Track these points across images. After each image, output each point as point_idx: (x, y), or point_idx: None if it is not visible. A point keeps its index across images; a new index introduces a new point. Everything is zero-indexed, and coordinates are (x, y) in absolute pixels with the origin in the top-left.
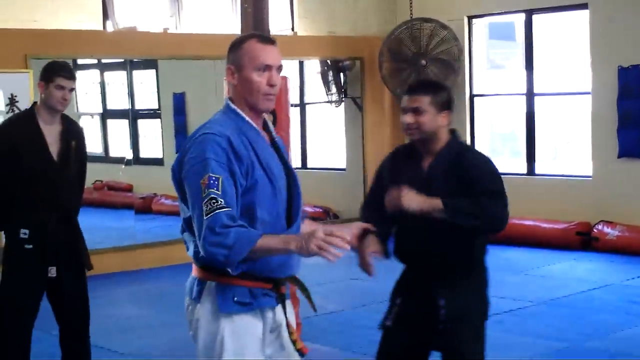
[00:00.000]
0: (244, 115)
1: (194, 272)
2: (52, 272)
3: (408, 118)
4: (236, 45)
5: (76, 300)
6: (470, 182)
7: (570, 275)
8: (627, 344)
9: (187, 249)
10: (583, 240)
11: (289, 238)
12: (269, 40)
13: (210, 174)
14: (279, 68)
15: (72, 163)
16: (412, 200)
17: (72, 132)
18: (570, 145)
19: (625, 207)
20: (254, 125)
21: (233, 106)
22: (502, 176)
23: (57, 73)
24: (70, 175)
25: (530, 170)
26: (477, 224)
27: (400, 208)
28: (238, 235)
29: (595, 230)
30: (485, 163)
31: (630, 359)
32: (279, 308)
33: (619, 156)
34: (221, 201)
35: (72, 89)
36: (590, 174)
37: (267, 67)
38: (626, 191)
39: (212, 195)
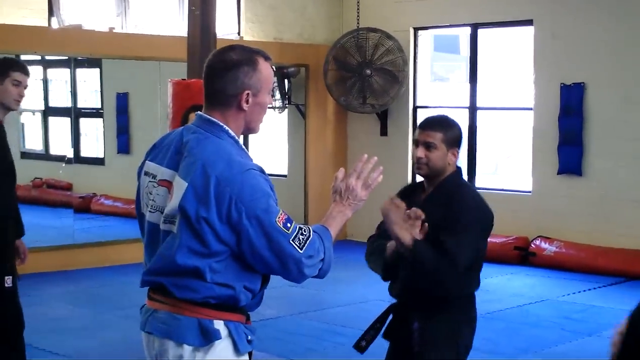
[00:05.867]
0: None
1: (193, 313)
2: (9, 282)
3: (420, 152)
4: (250, 64)
5: (12, 307)
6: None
7: (506, 290)
8: (561, 359)
9: (195, 292)
10: (520, 255)
11: (339, 209)
12: (270, 57)
13: (282, 211)
14: None
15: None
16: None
17: None
18: (511, 160)
19: (563, 223)
20: None
21: (237, 139)
22: None
23: (13, 67)
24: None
25: (471, 183)
26: (421, 283)
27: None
28: (322, 243)
29: (533, 245)
30: (468, 210)
31: None
32: None
33: (559, 172)
34: (306, 228)
35: (26, 87)
36: (530, 189)
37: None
38: (565, 208)
39: (299, 226)
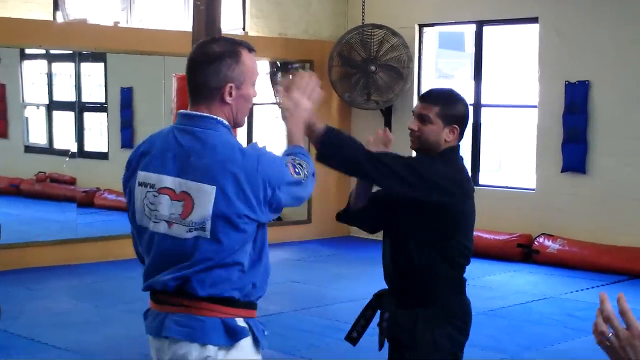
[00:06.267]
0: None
1: (213, 312)
2: None
3: (412, 124)
4: (232, 57)
5: None
6: None
7: (509, 287)
8: (564, 357)
9: (223, 288)
10: (524, 252)
11: (294, 124)
12: (254, 49)
13: (286, 161)
14: None
15: None
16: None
17: None
18: (514, 158)
19: (566, 221)
20: None
21: (230, 128)
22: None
23: None
24: None
25: (475, 181)
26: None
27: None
28: (309, 160)
29: (536, 242)
30: (430, 162)
31: None
32: None
33: (563, 170)
34: (301, 161)
35: None
36: (534, 186)
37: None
38: (568, 205)
39: (298, 162)
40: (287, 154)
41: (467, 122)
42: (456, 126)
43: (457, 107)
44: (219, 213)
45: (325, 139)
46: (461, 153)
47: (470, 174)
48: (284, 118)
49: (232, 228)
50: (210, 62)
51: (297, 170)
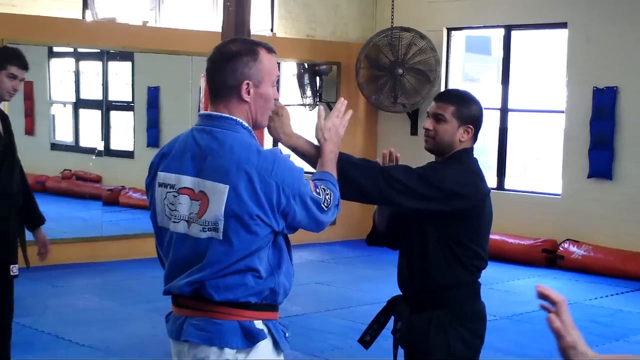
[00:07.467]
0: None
1: (231, 316)
2: (15, 270)
3: (427, 124)
4: (250, 55)
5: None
6: None
7: (534, 292)
8: None
9: (238, 293)
10: (548, 257)
11: (330, 149)
12: (274, 49)
13: (309, 182)
14: None
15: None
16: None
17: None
18: (539, 162)
19: (592, 227)
20: None
21: (251, 130)
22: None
23: (11, 60)
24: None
25: (500, 185)
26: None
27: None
28: (337, 190)
29: (561, 248)
30: (443, 170)
31: None
32: None
33: (589, 176)
34: (325, 187)
35: (23, 79)
36: (559, 192)
37: (277, 81)
38: (594, 211)
39: (322, 187)
40: (315, 178)
41: (481, 124)
42: (471, 126)
43: (472, 107)
44: (230, 212)
45: (340, 174)
46: (487, 157)
47: (496, 178)
48: (319, 139)
49: (244, 228)
50: (227, 61)
51: (318, 190)
